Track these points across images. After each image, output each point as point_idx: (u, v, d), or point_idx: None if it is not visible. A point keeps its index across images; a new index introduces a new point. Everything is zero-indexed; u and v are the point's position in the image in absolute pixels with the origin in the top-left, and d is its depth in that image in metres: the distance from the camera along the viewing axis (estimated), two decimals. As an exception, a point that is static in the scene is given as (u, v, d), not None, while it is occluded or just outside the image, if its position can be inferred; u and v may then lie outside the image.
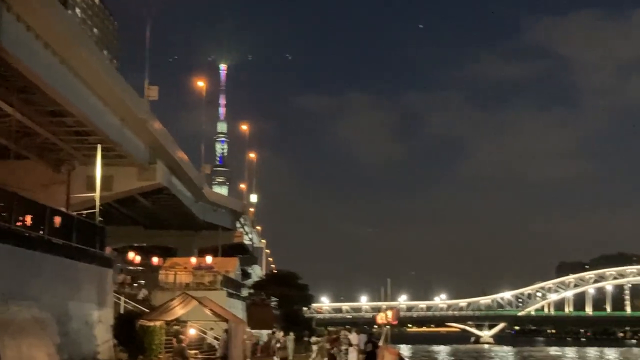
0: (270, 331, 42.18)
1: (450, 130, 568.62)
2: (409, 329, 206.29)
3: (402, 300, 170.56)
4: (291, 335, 40.44)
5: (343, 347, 36.21)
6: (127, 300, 37.66)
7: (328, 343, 36.61)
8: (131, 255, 51.44)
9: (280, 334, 40.91)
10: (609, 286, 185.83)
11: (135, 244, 66.15)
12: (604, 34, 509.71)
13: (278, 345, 38.38)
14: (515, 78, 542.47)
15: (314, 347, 39.43)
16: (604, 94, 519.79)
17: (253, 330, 44.91)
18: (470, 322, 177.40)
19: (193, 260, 53.23)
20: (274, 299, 72.25)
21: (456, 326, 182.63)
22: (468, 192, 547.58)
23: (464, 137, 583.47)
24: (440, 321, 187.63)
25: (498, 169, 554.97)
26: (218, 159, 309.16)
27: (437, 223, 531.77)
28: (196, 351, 31.69)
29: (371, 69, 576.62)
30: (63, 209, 29.39)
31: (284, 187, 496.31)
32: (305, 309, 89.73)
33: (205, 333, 37.81)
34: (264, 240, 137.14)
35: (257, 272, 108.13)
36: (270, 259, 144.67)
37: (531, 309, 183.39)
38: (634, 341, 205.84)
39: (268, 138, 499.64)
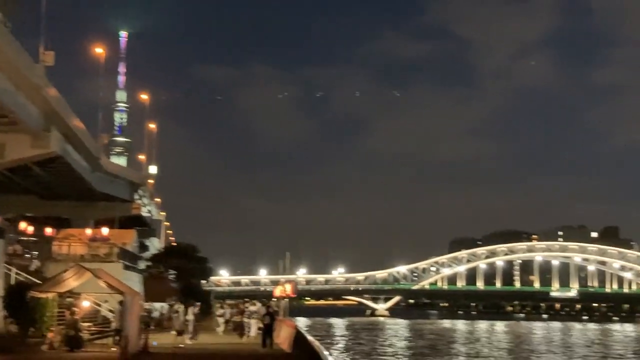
0: (167, 304, 41.71)
1: (353, 106, 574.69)
2: (307, 302, 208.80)
3: (301, 274, 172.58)
4: (194, 308, 40.20)
5: (245, 319, 36.36)
6: (18, 271, 36.49)
7: (237, 314, 36.62)
8: (23, 225, 49.73)
9: (180, 307, 40.59)
10: (499, 262, 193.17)
11: (28, 214, 63.81)
12: (505, 16, 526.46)
13: (175, 316, 38.18)
14: (418, 57, 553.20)
15: (220, 320, 39.34)
16: (503, 75, 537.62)
17: (155, 304, 44.51)
18: (366, 296, 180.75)
19: (88, 231, 52.00)
20: (172, 271, 71.53)
21: (353, 299, 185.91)
22: (368, 168, 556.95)
23: (367, 113, 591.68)
24: (338, 294, 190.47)
25: (399, 146, 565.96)
26: (117, 128, 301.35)
27: (338, 198, 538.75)
28: (90, 324, 31.07)
29: (276, 42, 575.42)
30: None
31: (185, 159, 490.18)
32: (204, 282, 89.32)
33: (99, 306, 37.09)
34: (163, 213, 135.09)
35: (155, 245, 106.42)
36: (170, 231, 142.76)
37: (425, 283, 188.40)
38: (522, 315, 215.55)
39: (169, 109, 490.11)
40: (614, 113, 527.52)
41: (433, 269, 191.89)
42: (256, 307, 38.29)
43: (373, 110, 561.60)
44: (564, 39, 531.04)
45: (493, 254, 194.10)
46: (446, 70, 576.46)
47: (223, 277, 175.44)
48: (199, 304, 38.92)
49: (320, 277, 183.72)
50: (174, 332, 32.43)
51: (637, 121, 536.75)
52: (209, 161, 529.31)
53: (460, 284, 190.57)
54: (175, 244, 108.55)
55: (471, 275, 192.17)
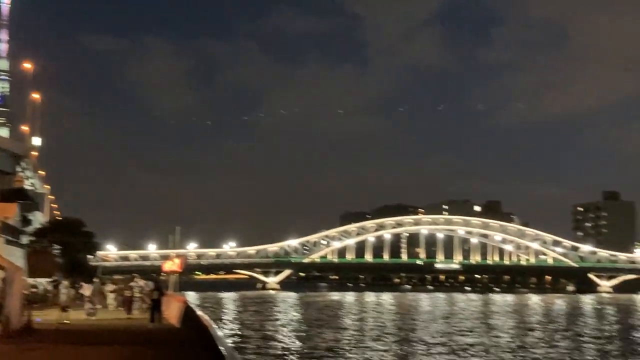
0: (51, 279, 40.47)
1: (246, 81, 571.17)
2: (197, 277, 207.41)
3: (191, 248, 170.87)
4: (66, 282, 39.25)
5: (134, 294, 35.82)
6: None
7: (126, 289, 35.96)
8: None
9: (64, 282, 39.55)
10: (387, 235, 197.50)
11: None
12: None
13: (64, 292, 37.29)
14: (312, 33, 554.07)
15: (111, 295, 38.47)
16: (394, 52, 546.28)
17: (39, 279, 43.11)
18: (258, 269, 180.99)
19: (-34, 205, 49.69)
20: (56, 246, 69.45)
21: (244, 273, 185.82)
22: (260, 143, 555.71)
23: (260, 88, 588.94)
24: (229, 268, 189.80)
25: (291, 122, 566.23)
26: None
27: (230, 173, 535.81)
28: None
29: (169, 14, 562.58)
30: None
31: (72, 131, 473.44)
32: (90, 257, 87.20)
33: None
34: (47, 186, 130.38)
35: (39, 219, 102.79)
36: (55, 205, 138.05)
37: (316, 257, 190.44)
38: (408, 286, 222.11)
39: (56, 79, 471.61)
40: (499, 91, 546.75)
41: (324, 242, 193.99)
42: (143, 282, 37.71)
43: (266, 85, 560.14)
44: (452, 18, 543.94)
45: (381, 227, 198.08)
46: (339, 46, 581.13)
47: (111, 252, 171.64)
48: (97, 280, 38.07)
49: (211, 252, 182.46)
50: (58, 308, 31.63)
51: (522, 100, 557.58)
52: (97, 134, 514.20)
53: (350, 256, 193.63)
54: (60, 218, 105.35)
55: (360, 248, 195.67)
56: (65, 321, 29.13)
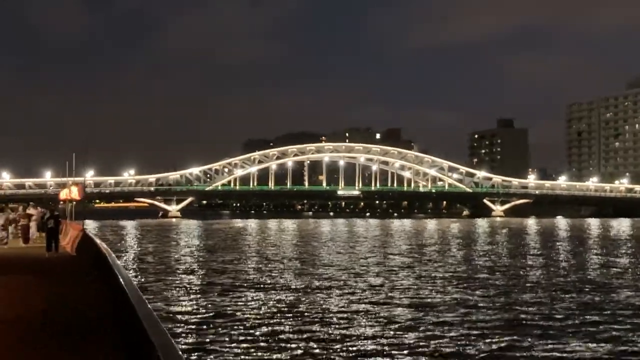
0: None
1: (144, 2, 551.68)
2: (97, 205, 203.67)
3: (89, 176, 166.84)
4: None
5: (26, 222, 34.88)
6: None
7: (23, 218, 34.90)
8: None
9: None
10: (290, 162, 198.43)
11: None
12: None
13: None
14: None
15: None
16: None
17: None
18: (159, 197, 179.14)
19: None
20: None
21: (145, 201, 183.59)
22: (159, 68, 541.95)
23: (158, 11, 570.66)
24: (129, 196, 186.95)
25: (191, 47, 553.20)
26: None
27: (128, 99, 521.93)
28: None
29: None
30: None
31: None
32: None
33: None
34: None
35: None
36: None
37: (218, 184, 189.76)
38: (310, 213, 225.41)
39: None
40: (403, 15, 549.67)
41: (226, 170, 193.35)
42: (37, 210, 36.77)
43: (165, 7, 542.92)
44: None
45: (284, 154, 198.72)
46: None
47: (5, 180, 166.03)
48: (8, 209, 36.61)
49: (110, 179, 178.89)
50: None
51: (424, 24, 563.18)
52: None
53: (253, 184, 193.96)
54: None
55: (263, 176, 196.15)
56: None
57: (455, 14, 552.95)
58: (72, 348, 9.65)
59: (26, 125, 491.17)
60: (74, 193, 45.32)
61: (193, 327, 23.73)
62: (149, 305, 7.92)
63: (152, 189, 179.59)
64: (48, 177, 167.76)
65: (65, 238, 32.41)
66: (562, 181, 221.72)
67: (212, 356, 19.63)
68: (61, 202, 56.60)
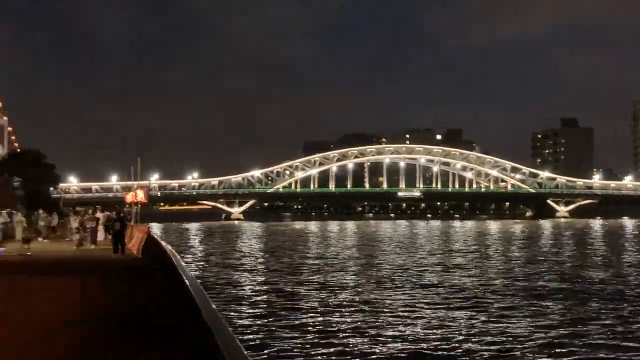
0: (7, 212, 39.91)
1: (193, 6, 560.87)
2: (161, 208, 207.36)
3: (154, 179, 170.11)
4: (20, 215, 39.20)
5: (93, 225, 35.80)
6: None
7: (91, 221, 35.87)
8: None
9: (19, 215, 39.45)
10: (350, 164, 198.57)
11: None
12: None
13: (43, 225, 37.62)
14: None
15: (74, 225, 37.94)
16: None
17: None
18: (221, 200, 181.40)
19: None
20: (17, 179, 68.82)
21: (208, 204, 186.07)
22: (214, 71, 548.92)
23: (209, 13, 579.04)
24: (193, 199, 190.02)
25: (246, 48, 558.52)
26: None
27: (185, 102, 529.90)
28: None
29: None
30: None
31: (30, 61, 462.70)
32: (51, 189, 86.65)
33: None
34: (5, 117, 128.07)
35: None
36: (14, 137, 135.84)
37: (279, 186, 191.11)
38: (370, 214, 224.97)
39: (16, 10, 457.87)
40: (463, 12, 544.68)
41: (287, 172, 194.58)
42: (103, 214, 37.70)
43: (221, 9, 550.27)
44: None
45: (344, 156, 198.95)
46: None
47: (72, 184, 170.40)
48: (78, 216, 37.43)
49: (174, 183, 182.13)
50: (19, 240, 31.67)
51: (484, 20, 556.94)
52: (47, 64, 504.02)
53: (313, 186, 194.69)
54: (19, 150, 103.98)
55: (324, 178, 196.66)
56: (27, 253, 29.17)
57: (516, 10, 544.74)
58: (137, 347, 9.90)
59: (91, 130, 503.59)
60: (140, 196, 46.31)
61: (256, 326, 23.98)
62: (213, 305, 8.08)
63: (215, 191, 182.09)
64: (114, 181, 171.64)
65: (131, 240, 33.15)
66: (629, 181, 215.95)
67: (274, 354, 19.82)
68: (127, 205, 57.91)
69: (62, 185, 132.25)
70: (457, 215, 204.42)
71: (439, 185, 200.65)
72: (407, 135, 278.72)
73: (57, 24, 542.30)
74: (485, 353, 20.31)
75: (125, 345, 10.01)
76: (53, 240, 38.94)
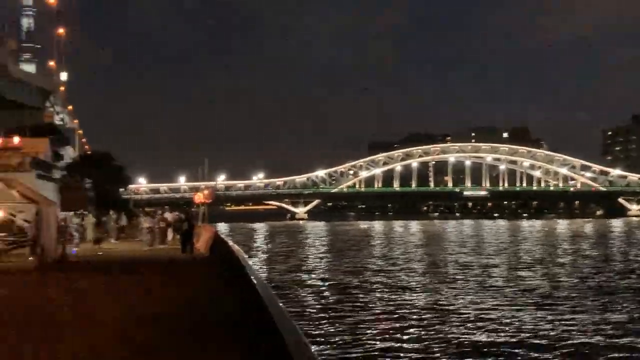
0: (78, 214, 40.88)
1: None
2: (227, 208, 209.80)
3: (221, 180, 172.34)
4: (90, 216, 40.13)
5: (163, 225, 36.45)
6: None
7: (162, 220, 36.58)
8: None
9: (90, 216, 40.44)
10: (415, 163, 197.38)
11: None
12: None
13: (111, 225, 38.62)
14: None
15: (145, 225, 38.51)
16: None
17: (69, 213, 43.91)
18: (286, 200, 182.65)
19: (-2, 141, 50.37)
20: (88, 180, 70.56)
21: (273, 204, 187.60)
22: (272, 69, 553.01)
23: (264, 12, 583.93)
24: (258, 199, 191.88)
25: (307, 49, 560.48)
26: (25, 34, 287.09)
27: (252, 101, 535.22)
28: (5, 234, 30.64)
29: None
30: None
31: (98, 65, 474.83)
32: (121, 190, 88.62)
33: (14, 216, 36.47)
34: (76, 120, 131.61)
35: (69, 154, 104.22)
36: (84, 139, 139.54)
37: (344, 186, 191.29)
38: (436, 214, 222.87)
39: (77, 12, 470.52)
40: (528, 10, 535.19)
41: (351, 172, 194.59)
42: (172, 214, 38.35)
43: (282, 9, 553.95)
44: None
45: (409, 156, 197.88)
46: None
47: (142, 185, 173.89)
48: (149, 217, 37.88)
49: (240, 183, 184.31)
50: (91, 241, 32.51)
51: (550, 17, 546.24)
52: (118, 67, 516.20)
53: (377, 185, 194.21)
54: (90, 152, 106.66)
55: (388, 177, 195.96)
56: (99, 253, 29.89)
57: (581, 6, 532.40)
58: (207, 344, 10.04)
59: (159, 131, 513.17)
60: (206, 197, 47.00)
61: (324, 325, 24.03)
62: (280, 303, 8.16)
63: (280, 191, 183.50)
64: (182, 182, 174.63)
65: (199, 240, 33.64)
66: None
67: (342, 353, 19.84)
68: (195, 206, 58.85)
69: (131, 186, 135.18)
70: (525, 215, 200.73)
71: (506, 184, 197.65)
72: (473, 134, 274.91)
73: (117, 26, 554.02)
74: (556, 352, 19.93)
75: (193, 342, 10.16)
76: (122, 240, 39.79)
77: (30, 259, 25.98)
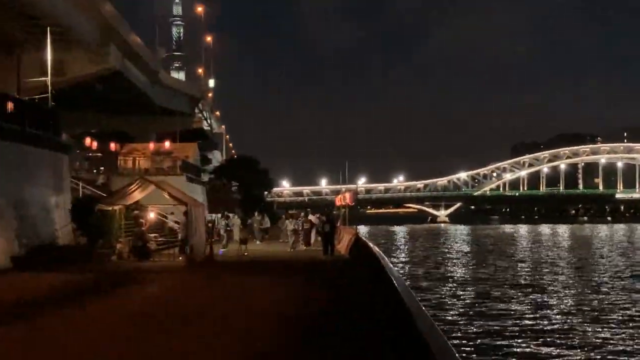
0: (222, 215, 41.92)
1: (409, 12, 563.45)
2: (368, 211, 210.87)
3: (361, 183, 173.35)
4: (236, 218, 41.13)
5: (307, 227, 37.00)
6: (85, 185, 37.68)
7: (306, 223, 37.18)
8: (88, 141, 50.80)
9: (235, 217, 41.58)
10: (562, 165, 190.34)
11: (92, 130, 65.43)
12: None
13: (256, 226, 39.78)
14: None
15: (289, 227, 38.78)
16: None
17: (217, 214, 45.42)
18: (427, 203, 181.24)
19: (151, 145, 52.79)
20: (234, 183, 72.89)
21: (413, 207, 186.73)
22: (425, 74, 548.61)
23: (422, 18, 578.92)
24: (398, 202, 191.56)
25: (453, 50, 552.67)
26: (174, 43, 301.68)
27: (397, 106, 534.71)
28: (156, 234, 32.05)
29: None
30: (14, 95, 28.81)
31: (242, 71, 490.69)
32: (265, 193, 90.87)
33: (165, 217, 38.12)
34: (223, 126, 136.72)
35: (217, 158, 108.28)
36: (230, 144, 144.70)
37: (487, 189, 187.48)
38: (585, 218, 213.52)
39: (225, 20, 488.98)
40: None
41: (494, 174, 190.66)
42: (315, 217, 38.80)
43: (426, 14, 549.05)
44: None
45: (556, 157, 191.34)
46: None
47: (285, 188, 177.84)
48: (293, 219, 38.24)
49: (380, 186, 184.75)
50: (237, 241, 33.36)
51: None
52: (264, 73, 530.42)
53: (523, 188, 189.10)
54: (236, 156, 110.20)
55: (533, 180, 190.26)
56: (245, 253, 30.62)
57: None
58: (348, 347, 9.91)
59: (302, 135, 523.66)
60: (347, 199, 47.12)
61: (468, 331, 23.45)
62: (423, 307, 7.89)
63: (421, 194, 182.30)
64: (323, 185, 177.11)
65: (340, 242, 33.81)
66: None
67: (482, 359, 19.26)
68: (336, 208, 59.29)
69: (275, 189, 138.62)
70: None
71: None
72: (625, 134, 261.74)
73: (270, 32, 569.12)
74: None
75: (332, 345, 10.07)
76: (266, 242, 40.68)
77: (179, 258, 27.01)
